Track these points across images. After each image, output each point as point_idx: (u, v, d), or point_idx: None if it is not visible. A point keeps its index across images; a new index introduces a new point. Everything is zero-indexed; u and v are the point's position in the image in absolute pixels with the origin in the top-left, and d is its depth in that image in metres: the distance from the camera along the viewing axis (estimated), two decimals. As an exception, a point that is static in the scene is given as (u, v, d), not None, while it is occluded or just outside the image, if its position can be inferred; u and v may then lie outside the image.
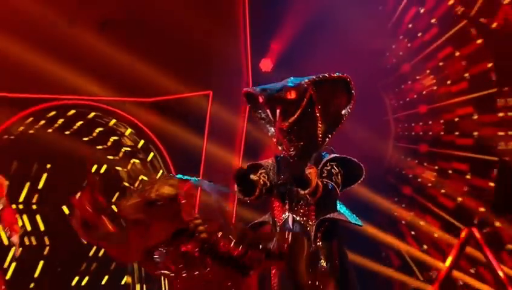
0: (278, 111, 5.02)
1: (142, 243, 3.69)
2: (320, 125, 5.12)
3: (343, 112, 5.19)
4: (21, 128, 10.19)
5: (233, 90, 9.90)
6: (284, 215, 5.01)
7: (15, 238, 6.35)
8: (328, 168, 5.00)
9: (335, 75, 5.14)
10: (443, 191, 9.93)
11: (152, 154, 10.57)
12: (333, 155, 5.11)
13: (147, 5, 9.72)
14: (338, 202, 5.05)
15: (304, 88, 5.03)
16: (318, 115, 5.07)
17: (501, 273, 8.71)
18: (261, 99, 5.15)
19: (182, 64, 9.70)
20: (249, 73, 10.02)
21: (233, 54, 10.10)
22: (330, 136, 5.19)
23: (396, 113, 10.20)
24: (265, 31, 9.97)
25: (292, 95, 5.01)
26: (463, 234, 8.87)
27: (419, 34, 10.11)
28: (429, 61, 10.13)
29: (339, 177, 4.99)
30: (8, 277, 9.85)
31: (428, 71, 10.15)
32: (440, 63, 10.16)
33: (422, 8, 10.01)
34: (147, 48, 9.56)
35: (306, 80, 5.06)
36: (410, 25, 10.12)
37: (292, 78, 5.15)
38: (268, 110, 5.15)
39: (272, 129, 5.29)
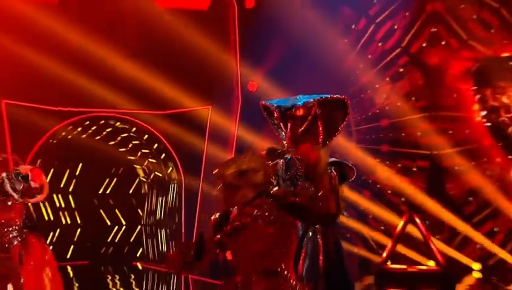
0: (289, 125, 5.46)
1: (233, 202, 4.19)
2: (321, 135, 5.45)
3: (340, 125, 5.54)
4: (63, 134, 10.86)
5: (227, 105, 10.69)
6: None
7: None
8: (328, 171, 5.35)
9: (335, 96, 5.50)
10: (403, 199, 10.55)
11: (163, 155, 11.24)
12: (332, 159, 5.48)
13: (167, 39, 10.09)
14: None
15: (310, 106, 5.39)
16: (320, 127, 5.44)
17: (433, 246, 9.81)
18: (276, 114, 5.56)
19: (190, 85, 10.28)
20: (239, 92, 10.72)
21: (228, 78, 10.72)
22: (328, 143, 5.52)
23: (358, 125, 10.87)
24: (252, 60, 10.60)
25: (300, 112, 5.42)
26: (404, 216, 9.97)
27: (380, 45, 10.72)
28: (392, 79, 10.78)
29: (336, 179, 5.36)
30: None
31: (387, 79, 10.75)
32: (400, 69, 10.74)
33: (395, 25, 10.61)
34: (164, 72, 10.12)
35: (311, 100, 5.43)
36: (380, 44, 10.73)
37: (300, 96, 5.54)
38: (281, 123, 5.56)
39: (283, 133, 5.64)
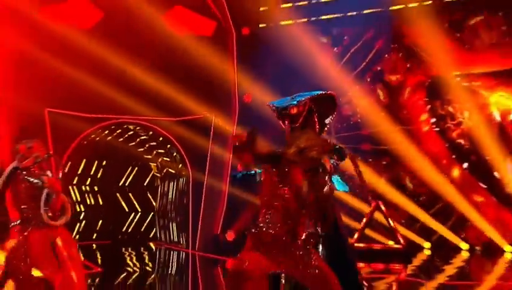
0: (286, 122, 5.58)
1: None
2: (317, 126, 5.65)
3: (331, 116, 5.71)
4: (92, 136, 11.81)
5: (227, 113, 11.60)
6: None
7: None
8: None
9: (324, 92, 5.69)
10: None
11: (175, 154, 12.20)
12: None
13: (180, 59, 11.06)
14: (333, 175, 5.28)
15: (305, 103, 5.53)
16: (316, 120, 5.63)
17: (399, 237, 10.64)
18: (275, 114, 5.66)
19: (197, 96, 11.25)
20: (236, 103, 11.92)
21: (227, 91, 11.89)
22: (323, 132, 5.70)
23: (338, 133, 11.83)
24: (248, 76, 11.64)
25: (294, 110, 5.55)
26: (372, 205, 10.77)
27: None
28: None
29: (335, 158, 5.58)
30: (75, 232, 11.60)
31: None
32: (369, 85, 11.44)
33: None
34: (176, 86, 11.02)
35: (303, 98, 5.57)
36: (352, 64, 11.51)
37: (296, 95, 5.64)
38: (280, 121, 5.64)
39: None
